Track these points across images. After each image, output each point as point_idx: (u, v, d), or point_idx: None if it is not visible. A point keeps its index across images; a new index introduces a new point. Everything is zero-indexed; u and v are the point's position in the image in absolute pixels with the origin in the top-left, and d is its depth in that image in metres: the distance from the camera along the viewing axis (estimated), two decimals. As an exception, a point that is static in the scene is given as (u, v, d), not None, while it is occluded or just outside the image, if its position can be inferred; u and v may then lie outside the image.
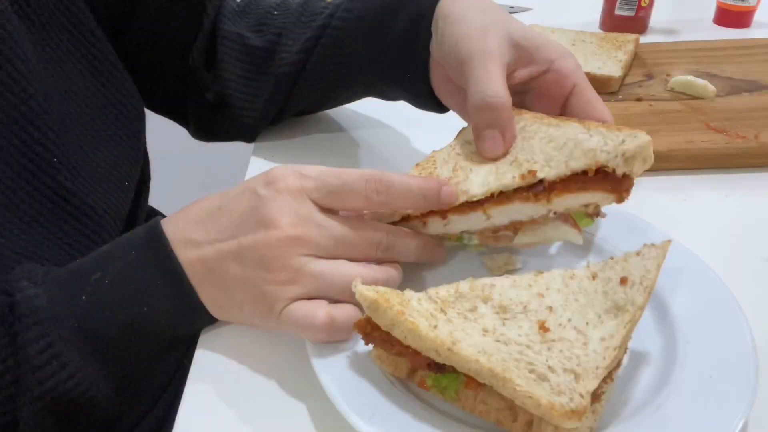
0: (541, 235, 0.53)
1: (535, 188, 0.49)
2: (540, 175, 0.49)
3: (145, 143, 0.68)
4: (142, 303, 0.47)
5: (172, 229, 0.48)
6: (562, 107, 0.56)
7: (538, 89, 0.56)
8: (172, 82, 0.74)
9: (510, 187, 0.49)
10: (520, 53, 0.55)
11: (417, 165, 0.55)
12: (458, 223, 0.51)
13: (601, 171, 0.48)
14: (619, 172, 0.48)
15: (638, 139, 0.48)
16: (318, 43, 0.68)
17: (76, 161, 0.55)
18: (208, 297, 0.48)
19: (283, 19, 0.70)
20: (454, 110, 0.63)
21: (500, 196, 0.50)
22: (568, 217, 0.52)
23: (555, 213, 0.50)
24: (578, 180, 0.48)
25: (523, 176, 0.49)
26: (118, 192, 0.60)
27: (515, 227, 0.52)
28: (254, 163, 0.75)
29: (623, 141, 0.48)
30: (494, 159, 0.52)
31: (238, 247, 0.46)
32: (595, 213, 0.51)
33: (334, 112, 0.83)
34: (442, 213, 0.51)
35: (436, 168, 0.53)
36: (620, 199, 0.49)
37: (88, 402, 0.46)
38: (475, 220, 0.51)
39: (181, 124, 0.81)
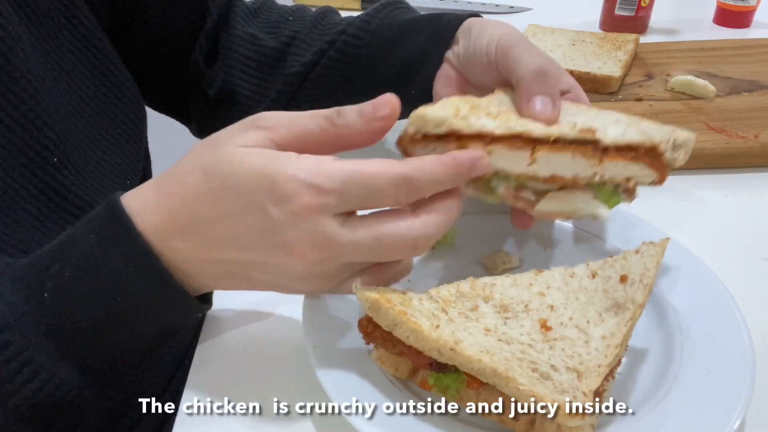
0: (570, 205, 0.50)
1: (590, 146, 0.47)
2: (599, 135, 0.47)
3: (146, 142, 0.68)
4: (114, 294, 0.41)
5: (142, 215, 0.42)
6: None
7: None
8: (174, 80, 0.74)
9: (568, 137, 0.47)
10: None
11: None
12: (499, 157, 0.46)
13: (651, 151, 0.49)
14: (667, 156, 0.49)
15: (687, 132, 0.51)
16: (326, 56, 0.69)
17: (77, 160, 0.55)
18: (202, 285, 0.44)
19: (298, 25, 0.71)
20: None
21: (555, 144, 0.47)
22: (598, 194, 0.51)
23: (600, 177, 0.49)
24: (630, 151, 0.49)
25: (582, 131, 0.47)
26: (117, 188, 0.60)
27: (540, 194, 0.50)
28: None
29: (674, 130, 0.50)
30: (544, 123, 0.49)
31: (257, 260, 0.42)
32: (632, 191, 0.51)
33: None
34: (488, 139, 0.46)
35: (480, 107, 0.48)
36: (661, 180, 0.50)
37: (74, 406, 0.43)
38: (516, 160, 0.47)
39: (183, 122, 0.81)
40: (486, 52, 0.57)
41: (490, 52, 0.56)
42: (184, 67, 0.73)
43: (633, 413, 0.43)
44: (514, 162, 0.47)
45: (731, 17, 1.10)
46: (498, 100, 0.51)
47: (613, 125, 0.49)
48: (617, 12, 1.06)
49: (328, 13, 0.73)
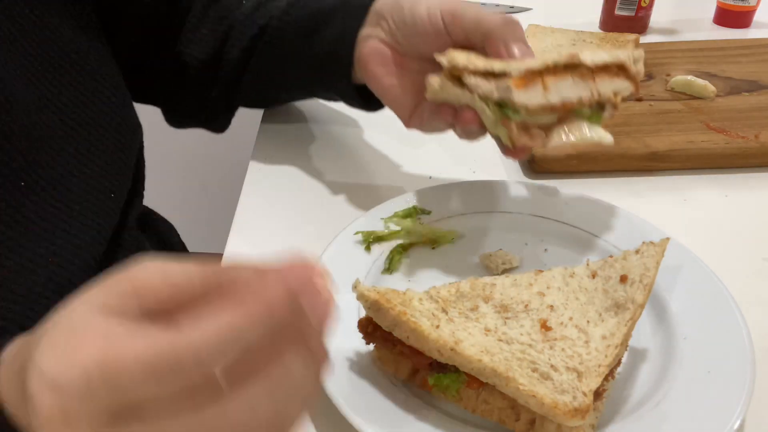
0: (577, 134, 0.54)
1: (583, 69, 0.53)
2: (582, 58, 0.53)
3: (140, 152, 0.67)
4: None
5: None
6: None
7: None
8: (159, 68, 0.75)
9: (559, 63, 0.52)
10: None
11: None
12: (520, 96, 0.51)
13: (621, 66, 0.55)
14: (633, 69, 0.55)
15: (635, 50, 0.57)
16: (260, 42, 0.71)
17: (47, 184, 0.53)
18: None
19: (240, 12, 0.73)
20: (381, 88, 0.63)
21: (555, 69, 0.52)
22: (590, 117, 0.56)
23: (597, 94, 0.54)
24: (609, 69, 0.54)
25: (568, 56, 0.53)
26: (100, 206, 0.58)
27: (548, 130, 0.54)
28: (253, 167, 0.75)
29: (627, 51, 0.56)
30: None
31: None
32: (616, 104, 0.55)
33: (331, 113, 0.84)
34: (513, 80, 0.51)
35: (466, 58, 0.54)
36: (636, 90, 0.56)
37: None
38: (533, 94, 0.52)
39: (156, 105, 0.81)
40: (431, 22, 0.58)
41: (436, 22, 0.58)
42: (171, 57, 0.74)
43: (633, 413, 0.43)
44: (532, 95, 0.51)
45: (731, 17, 1.10)
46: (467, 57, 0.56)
47: (583, 54, 0.54)
48: (617, 12, 1.06)
49: None
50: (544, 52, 0.93)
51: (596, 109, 0.55)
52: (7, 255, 0.50)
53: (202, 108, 0.77)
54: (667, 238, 0.49)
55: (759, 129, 0.74)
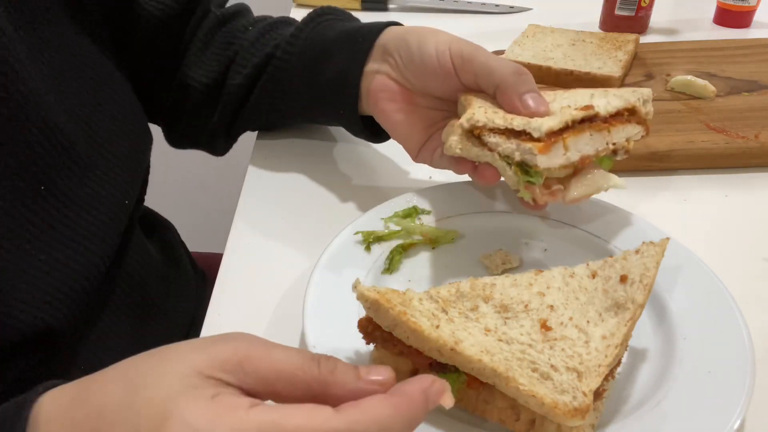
0: (592, 184, 0.55)
1: (597, 120, 0.54)
2: (596, 109, 0.54)
3: (148, 160, 0.68)
4: None
5: (48, 424, 0.35)
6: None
7: None
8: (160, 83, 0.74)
9: (576, 118, 0.52)
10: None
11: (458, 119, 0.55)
12: (544, 161, 0.51)
13: (632, 110, 0.56)
14: (643, 111, 0.57)
15: (644, 89, 0.58)
16: (264, 72, 0.70)
17: (66, 189, 0.53)
18: None
19: (245, 39, 0.72)
20: (390, 124, 0.63)
21: (572, 128, 0.53)
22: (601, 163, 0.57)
23: (614, 144, 0.55)
24: (621, 116, 0.56)
25: (582, 108, 0.53)
26: (115, 211, 0.58)
27: (565, 183, 0.54)
28: (253, 167, 0.75)
29: (635, 90, 0.57)
30: (541, 117, 0.54)
31: None
32: (629, 149, 0.57)
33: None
34: (537, 146, 0.51)
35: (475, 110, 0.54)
36: (647, 131, 0.57)
37: None
38: (555, 155, 0.51)
39: (158, 124, 0.81)
40: (440, 64, 0.57)
41: (444, 61, 0.57)
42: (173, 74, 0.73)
43: (633, 413, 0.43)
44: (554, 158, 0.52)
45: (731, 17, 1.10)
46: (481, 106, 0.55)
47: (594, 99, 0.56)
48: (617, 12, 1.06)
49: (277, 24, 0.73)
50: (544, 52, 0.93)
51: (609, 155, 0.56)
52: (25, 260, 0.50)
53: (201, 131, 0.77)
54: (667, 238, 0.49)
55: (759, 129, 0.74)
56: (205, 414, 0.31)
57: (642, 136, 0.57)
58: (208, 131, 0.76)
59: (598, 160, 0.55)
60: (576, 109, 0.53)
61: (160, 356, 0.35)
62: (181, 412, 0.31)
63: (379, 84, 0.62)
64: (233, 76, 0.71)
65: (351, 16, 0.72)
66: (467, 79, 0.57)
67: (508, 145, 0.52)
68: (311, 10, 0.71)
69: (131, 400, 0.33)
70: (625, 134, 0.56)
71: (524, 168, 0.52)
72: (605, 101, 0.55)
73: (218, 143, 0.78)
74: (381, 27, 0.64)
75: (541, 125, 0.51)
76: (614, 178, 0.56)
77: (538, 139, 0.51)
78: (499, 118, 0.53)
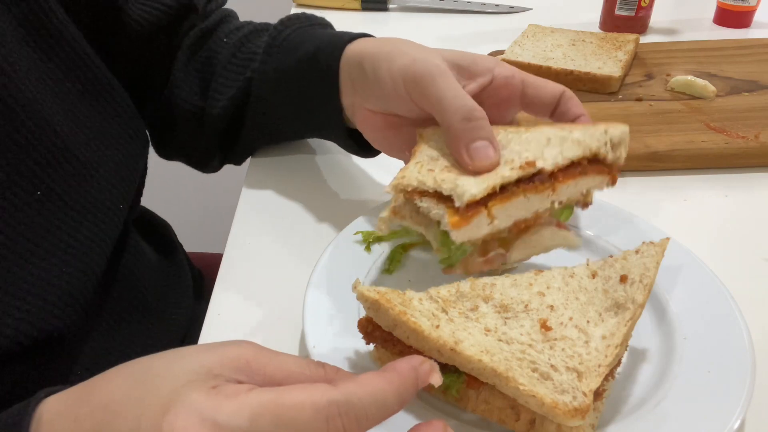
0: (539, 245, 0.51)
1: (537, 180, 0.47)
2: (540, 164, 0.47)
3: (146, 160, 0.68)
4: None
5: (51, 423, 0.36)
6: (552, 116, 0.55)
7: (488, 100, 0.55)
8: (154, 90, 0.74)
9: (511, 179, 0.46)
10: (461, 71, 0.54)
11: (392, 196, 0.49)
12: (459, 235, 0.46)
13: (593, 159, 0.50)
14: (610, 158, 0.50)
15: (619, 128, 0.51)
16: (243, 103, 0.69)
17: (63, 194, 0.53)
18: None
19: (221, 55, 0.71)
20: (381, 148, 0.62)
21: (503, 193, 0.46)
22: (560, 222, 0.52)
23: (560, 203, 0.49)
24: (575, 168, 0.49)
25: (522, 167, 0.47)
26: (111, 216, 0.58)
27: (507, 245, 0.50)
28: (253, 167, 0.75)
29: (606, 131, 0.50)
30: (488, 170, 0.48)
31: None
32: (587, 202, 0.52)
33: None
34: (449, 221, 0.46)
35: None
36: (614, 181, 0.51)
37: None
38: (477, 227, 0.46)
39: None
40: (394, 88, 0.54)
41: (398, 88, 0.54)
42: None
43: (633, 413, 0.43)
44: (476, 230, 0.46)
45: (731, 17, 1.10)
46: (426, 155, 0.51)
47: (548, 147, 0.49)
48: (617, 12, 1.06)
49: (250, 37, 0.71)
50: (544, 52, 0.93)
51: (564, 207, 0.50)
52: (22, 266, 0.50)
53: (192, 151, 0.77)
54: (667, 238, 0.49)
55: (759, 129, 0.74)
56: (208, 399, 0.32)
57: (607, 186, 0.51)
58: (197, 154, 0.76)
59: (555, 212, 0.50)
60: (517, 167, 0.47)
61: (172, 356, 0.36)
62: (185, 399, 0.33)
63: (360, 118, 0.61)
64: (212, 103, 0.70)
65: (311, 23, 0.70)
66: (425, 109, 0.53)
67: (436, 212, 0.47)
68: (279, 19, 0.70)
69: (138, 393, 0.34)
70: (578, 189, 0.49)
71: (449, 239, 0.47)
72: (557, 151, 0.48)
73: (212, 164, 0.78)
74: (339, 52, 0.60)
75: (464, 193, 0.45)
76: (568, 237, 0.51)
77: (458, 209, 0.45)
78: (431, 178, 0.47)
